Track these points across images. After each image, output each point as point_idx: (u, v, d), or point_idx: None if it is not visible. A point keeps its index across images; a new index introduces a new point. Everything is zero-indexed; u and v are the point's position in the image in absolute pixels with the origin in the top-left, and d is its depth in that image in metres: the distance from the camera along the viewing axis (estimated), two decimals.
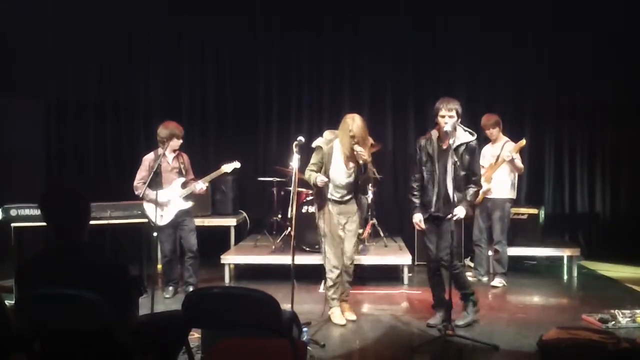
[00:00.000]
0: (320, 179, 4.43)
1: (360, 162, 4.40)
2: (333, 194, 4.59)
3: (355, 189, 4.62)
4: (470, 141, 4.33)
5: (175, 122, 5.46)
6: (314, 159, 4.58)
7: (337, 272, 4.56)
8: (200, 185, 5.35)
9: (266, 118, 7.78)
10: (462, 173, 4.28)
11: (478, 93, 7.34)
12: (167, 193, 5.26)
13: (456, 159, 4.23)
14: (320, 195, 4.63)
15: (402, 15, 7.61)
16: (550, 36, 7.50)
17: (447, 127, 4.21)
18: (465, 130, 4.39)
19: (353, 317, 4.69)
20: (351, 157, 4.42)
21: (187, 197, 5.38)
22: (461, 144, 4.29)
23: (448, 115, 4.26)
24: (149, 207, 5.20)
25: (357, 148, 4.31)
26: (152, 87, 7.71)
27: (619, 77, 7.38)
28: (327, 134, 4.64)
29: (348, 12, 7.65)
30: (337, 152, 4.50)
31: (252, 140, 7.75)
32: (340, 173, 4.53)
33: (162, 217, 5.20)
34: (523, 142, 5.71)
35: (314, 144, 4.61)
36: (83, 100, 7.67)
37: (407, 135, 7.70)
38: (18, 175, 7.05)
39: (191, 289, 5.27)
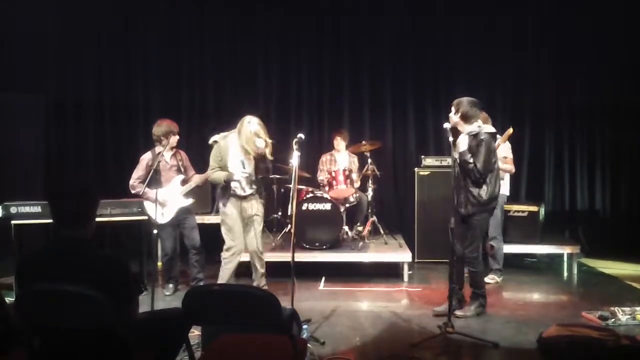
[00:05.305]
0: None
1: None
2: None
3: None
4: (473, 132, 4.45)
5: (168, 119, 5.45)
6: None
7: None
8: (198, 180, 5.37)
9: (265, 116, 7.76)
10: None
11: (478, 93, 7.29)
12: (167, 191, 5.27)
13: (455, 157, 4.36)
14: None
15: (403, 14, 7.62)
16: (550, 36, 7.51)
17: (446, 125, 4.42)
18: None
19: None
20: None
21: (187, 195, 5.39)
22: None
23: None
24: (149, 206, 5.21)
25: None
26: (152, 86, 7.72)
27: (619, 77, 7.39)
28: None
29: (348, 11, 7.66)
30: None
31: None
32: None
33: (163, 215, 5.22)
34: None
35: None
36: (83, 99, 7.68)
37: (407, 133, 7.72)
38: (18, 173, 7.07)
39: (202, 284, 5.28)
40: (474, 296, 4.71)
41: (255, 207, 4.85)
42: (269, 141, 4.70)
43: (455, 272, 4.62)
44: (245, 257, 5.05)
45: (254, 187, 4.82)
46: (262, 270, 4.99)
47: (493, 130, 4.62)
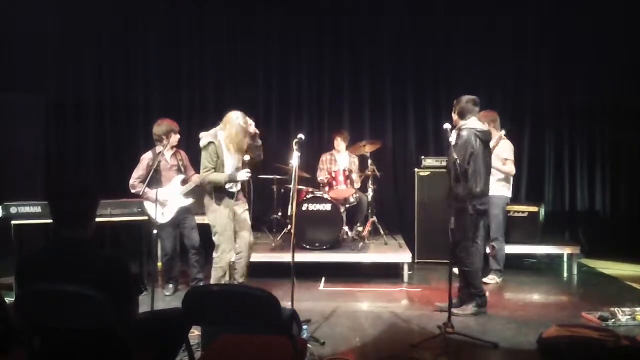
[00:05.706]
0: None
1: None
2: None
3: None
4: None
5: (168, 118, 5.45)
6: None
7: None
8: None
9: (266, 116, 7.78)
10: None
11: (478, 93, 7.29)
12: (167, 191, 5.27)
13: (455, 157, 4.37)
14: None
15: (403, 14, 7.62)
16: (550, 36, 7.51)
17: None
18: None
19: None
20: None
21: (187, 194, 5.38)
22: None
23: None
24: (149, 205, 5.21)
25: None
26: (152, 86, 7.72)
27: (619, 77, 7.40)
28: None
29: (348, 11, 7.66)
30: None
31: None
32: None
33: (163, 214, 5.23)
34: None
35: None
36: (83, 99, 7.68)
37: (407, 133, 7.72)
38: (18, 173, 7.06)
39: (201, 284, 5.27)
40: (471, 295, 4.72)
41: (243, 203, 4.84)
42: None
43: (460, 272, 4.75)
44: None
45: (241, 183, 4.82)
46: (246, 268, 4.89)
47: (480, 127, 4.63)
